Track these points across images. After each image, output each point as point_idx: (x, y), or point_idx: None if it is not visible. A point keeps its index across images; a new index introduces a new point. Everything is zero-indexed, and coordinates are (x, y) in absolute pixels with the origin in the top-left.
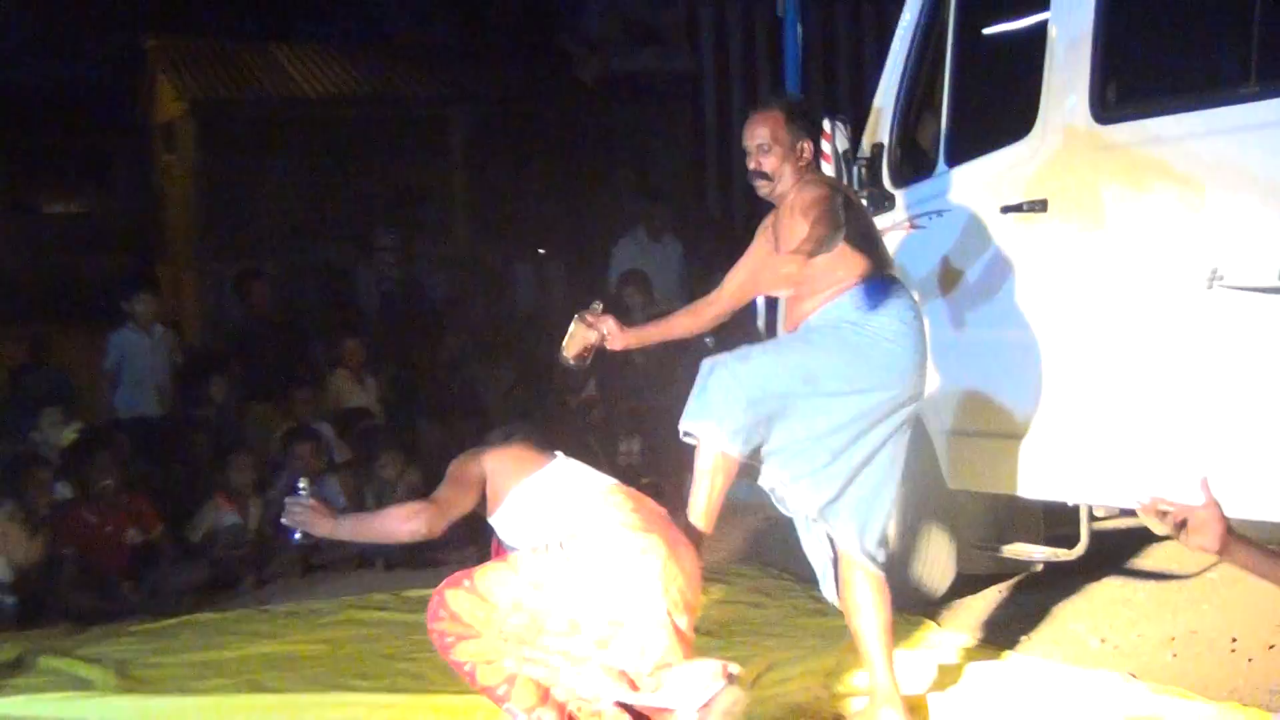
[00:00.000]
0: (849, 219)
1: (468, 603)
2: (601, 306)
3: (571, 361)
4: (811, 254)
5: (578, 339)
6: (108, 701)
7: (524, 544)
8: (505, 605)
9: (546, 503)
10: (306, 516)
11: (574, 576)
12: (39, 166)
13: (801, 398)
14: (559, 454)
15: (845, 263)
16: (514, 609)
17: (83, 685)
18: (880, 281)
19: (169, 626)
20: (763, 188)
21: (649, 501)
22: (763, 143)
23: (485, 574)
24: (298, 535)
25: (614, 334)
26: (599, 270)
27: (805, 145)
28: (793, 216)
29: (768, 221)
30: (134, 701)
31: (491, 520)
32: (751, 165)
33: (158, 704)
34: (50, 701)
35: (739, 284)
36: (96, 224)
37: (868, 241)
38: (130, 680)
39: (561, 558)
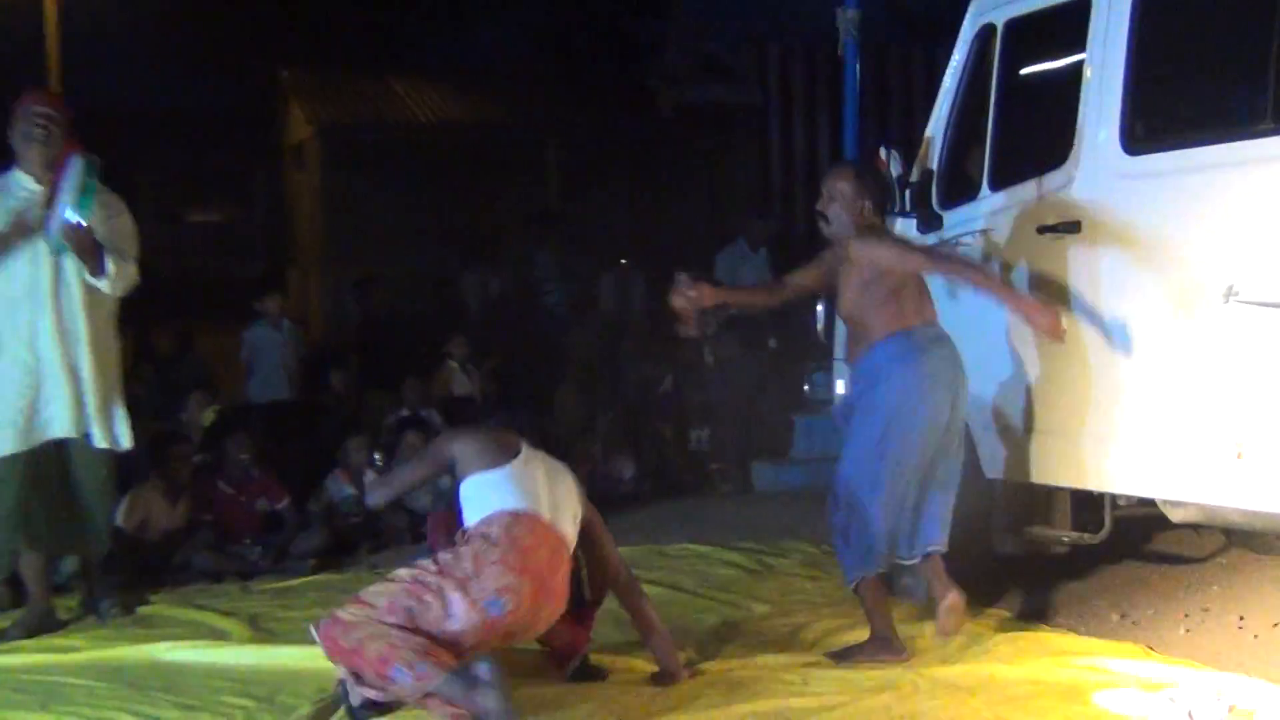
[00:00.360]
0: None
1: (354, 610)
2: (686, 276)
3: (691, 330)
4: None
5: (679, 309)
6: (242, 650)
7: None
8: (383, 606)
9: (475, 502)
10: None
11: (443, 589)
12: (185, 181)
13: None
14: (520, 453)
15: (897, 306)
16: (389, 611)
17: (219, 636)
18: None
19: (293, 586)
20: (822, 227)
21: (551, 540)
22: (832, 193)
23: (370, 589)
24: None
25: (705, 293)
26: (670, 277)
27: (866, 205)
28: (880, 247)
29: (825, 255)
30: (264, 650)
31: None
32: (819, 206)
33: (286, 652)
34: (191, 649)
35: (798, 283)
36: (234, 232)
37: (915, 290)
38: (261, 632)
39: (439, 568)
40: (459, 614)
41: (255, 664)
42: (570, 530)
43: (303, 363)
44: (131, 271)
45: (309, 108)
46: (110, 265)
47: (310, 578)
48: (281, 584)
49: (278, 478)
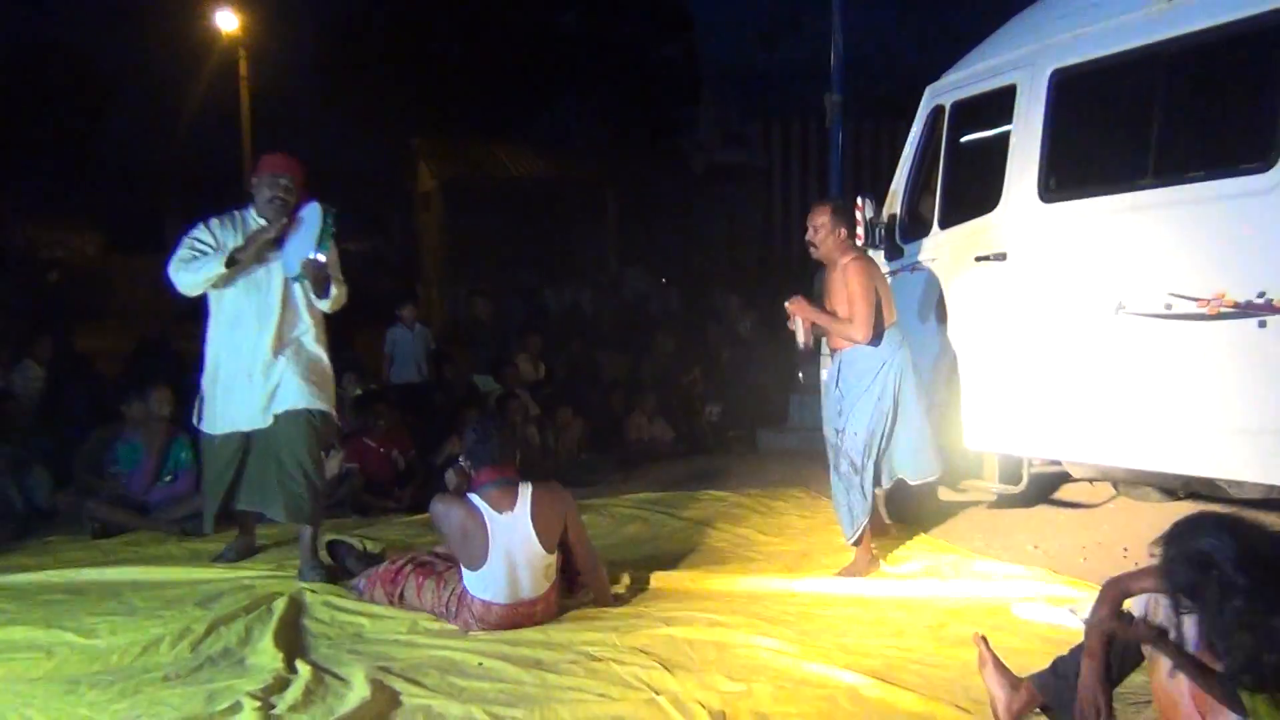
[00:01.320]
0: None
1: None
2: (799, 297)
3: (805, 340)
4: (864, 334)
5: (796, 328)
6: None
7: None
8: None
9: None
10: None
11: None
12: (344, 220)
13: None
14: (489, 551)
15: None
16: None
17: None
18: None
19: (419, 520)
20: (812, 252)
21: (521, 609)
22: (816, 225)
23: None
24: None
25: (799, 304)
26: (701, 292)
27: (842, 230)
28: (849, 290)
29: (818, 275)
30: None
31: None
32: (807, 237)
33: None
34: None
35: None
36: (378, 258)
37: (884, 303)
38: (394, 549)
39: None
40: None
41: None
42: (546, 579)
43: (429, 355)
44: (343, 293)
45: (433, 166)
46: (333, 289)
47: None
48: (413, 518)
49: (409, 438)
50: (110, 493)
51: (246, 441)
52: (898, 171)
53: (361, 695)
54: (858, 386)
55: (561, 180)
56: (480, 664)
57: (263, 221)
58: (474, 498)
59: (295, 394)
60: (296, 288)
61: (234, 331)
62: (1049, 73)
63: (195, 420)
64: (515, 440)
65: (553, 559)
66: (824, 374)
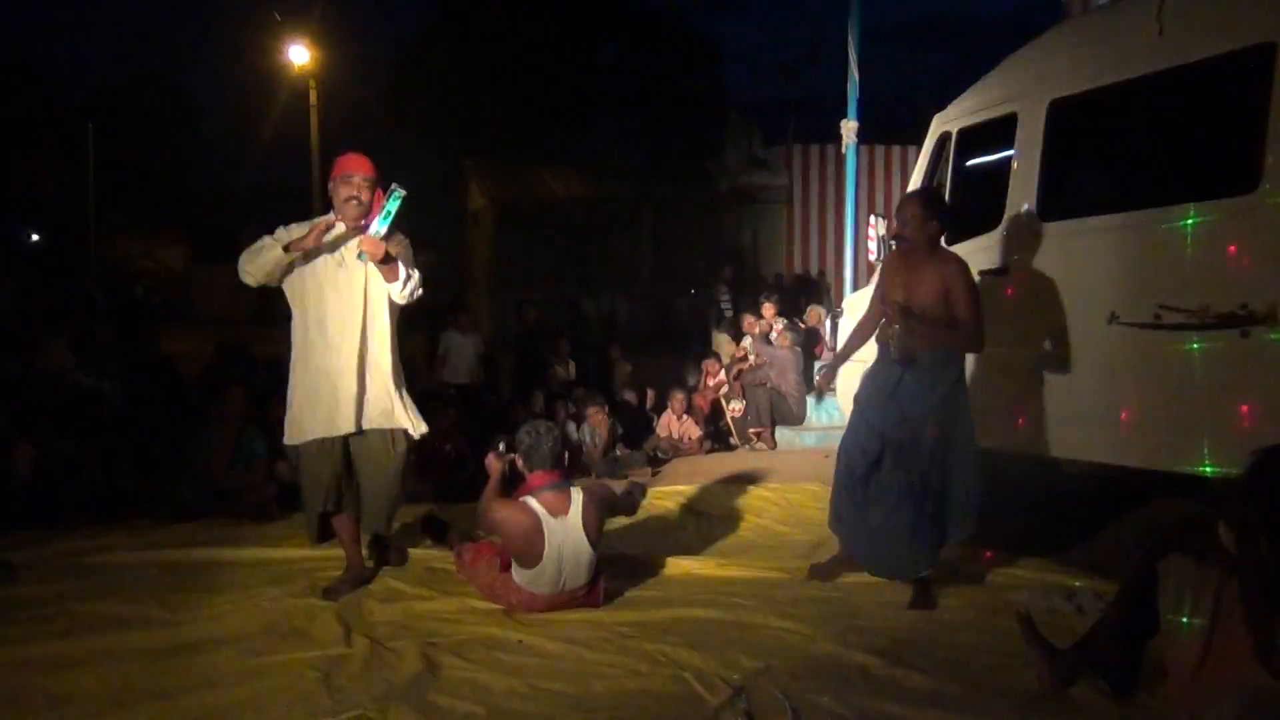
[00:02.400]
0: None
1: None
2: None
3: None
4: (982, 343)
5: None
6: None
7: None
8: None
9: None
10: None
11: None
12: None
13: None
14: (544, 549)
15: None
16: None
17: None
18: None
19: (468, 508)
20: (901, 246)
21: (559, 600)
22: (907, 216)
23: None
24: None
25: (900, 311)
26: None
27: (934, 222)
28: (965, 293)
29: (884, 268)
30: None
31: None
32: (895, 229)
33: None
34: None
35: (878, 308)
36: (433, 270)
37: None
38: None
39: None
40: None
41: None
42: (583, 578)
43: (480, 358)
44: (416, 280)
45: (483, 186)
46: (403, 271)
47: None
48: (466, 506)
49: (462, 433)
50: (189, 481)
51: (345, 446)
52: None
53: (413, 668)
54: (953, 398)
55: (600, 199)
56: (521, 641)
57: (342, 226)
58: (531, 502)
59: (381, 413)
60: (377, 292)
61: (320, 336)
62: (1048, 102)
63: (284, 439)
64: (565, 443)
65: (595, 554)
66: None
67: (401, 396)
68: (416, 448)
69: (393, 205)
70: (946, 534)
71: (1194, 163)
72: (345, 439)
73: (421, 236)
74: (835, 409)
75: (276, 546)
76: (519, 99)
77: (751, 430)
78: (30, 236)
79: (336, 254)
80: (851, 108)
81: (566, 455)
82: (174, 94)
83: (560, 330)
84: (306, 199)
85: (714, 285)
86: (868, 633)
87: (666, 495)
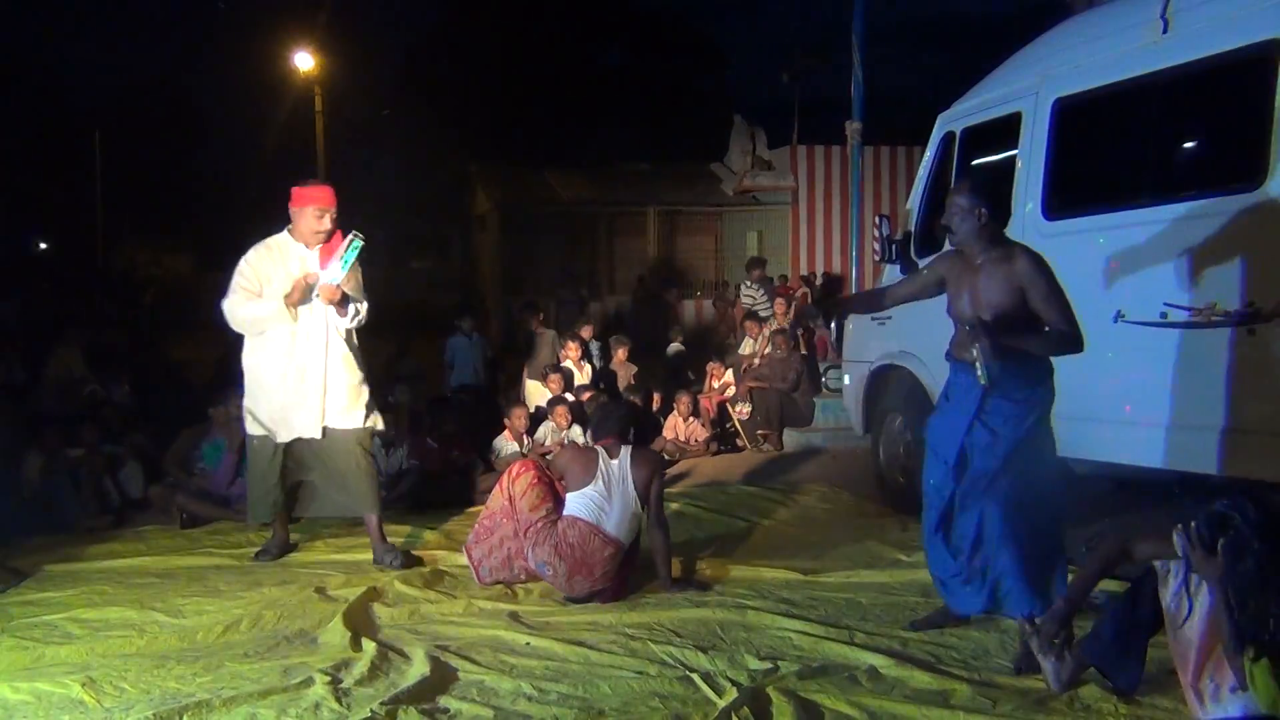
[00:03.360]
0: None
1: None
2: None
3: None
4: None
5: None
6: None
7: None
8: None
9: (568, 501)
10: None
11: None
12: (409, 239)
13: None
14: (597, 475)
15: None
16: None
17: (428, 542)
18: None
19: (475, 511)
20: (950, 238)
21: (597, 541)
22: (953, 208)
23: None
24: None
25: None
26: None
27: (981, 210)
28: (1046, 285)
29: (937, 265)
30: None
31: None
32: (943, 222)
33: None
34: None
35: (907, 292)
36: (440, 274)
37: None
38: (452, 540)
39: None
40: (521, 561)
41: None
42: (624, 531)
43: (486, 362)
44: (364, 313)
45: (489, 190)
46: (351, 309)
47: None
48: (472, 510)
49: (466, 437)
50: (197, 487)
51: (290, 449)
52: (912, 192)
53: (421, 671)
54: (1044, 424)
55: (605, 202)
56: (528, 643)
57: (302, 247)
58: (595, 445)
59: (342, 415)
60: (332, 314)
61: (280, 345)
62: (1052, 100)
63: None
64: (629, 418)
65: (638, 513)
66: (845, 379)
67: (362, 395)
68: (419, 455)
69: (350, 256)
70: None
71: (1199, 159)
72: (304, 443)
73: (427, 241)
74: (842, 410)
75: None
76: (524, 103)
77: (759, 432)
78: (38, 245)
79: (297, 280)
80: (856, 109)
81: (632, 430)
82: (180, 102)
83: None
84: None
85: (745, 283)
86: (876, 633)
87: (673, 497)
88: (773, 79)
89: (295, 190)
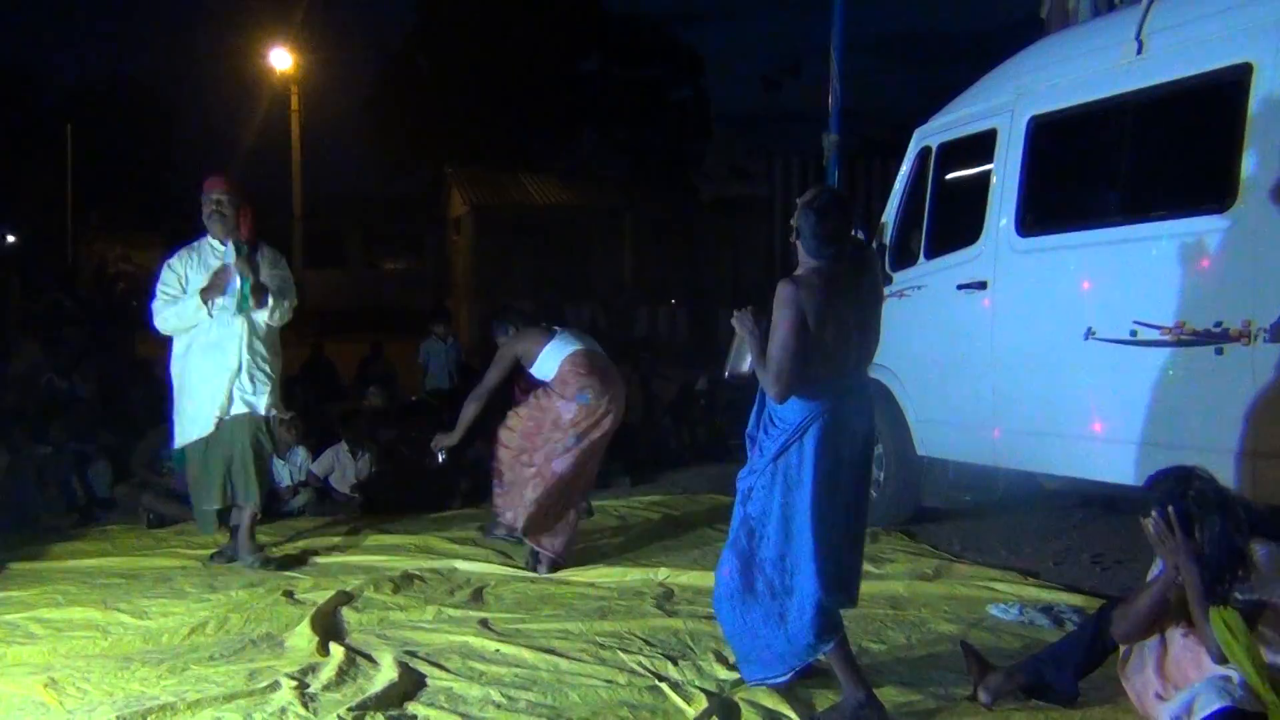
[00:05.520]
0: None
1: (503, 433)
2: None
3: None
4: None
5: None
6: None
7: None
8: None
9: (545, 368)
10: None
11: (551, 409)
12: (382, 241)
13: None
14: (557, 330)
15: None
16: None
17: (399, 547)
18: None
19: (448, 516)
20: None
21: (602, 359)
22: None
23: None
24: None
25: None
26: (710, 314)
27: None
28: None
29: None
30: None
31: (530, 370)
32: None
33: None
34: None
35: None
36: (413, 276)
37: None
38: (428, 541)
39: (546, 399)
40: (565, 412)
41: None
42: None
43: (459, 366)
44: (287, 307)
45: (465, 193)
46: (270, 301)
47: (460, 510)
48: (443, 514)
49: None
50: (164, 487)
51: (206, 443)
52: (888, 206)
53: (389, 677)
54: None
55: (582, 208)
56: (497, 650)
57: (215, 243)
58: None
59: (247, 400)
60: (256, 315)
61: (201, 345)
62: (1027, 118)
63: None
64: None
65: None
66: None
67: (269, 385)
68: (390, 459)
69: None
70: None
71: (1170, 180)
72: (209, 436)
73: (402, 243)
74: None
75: None
76: (502, 107)
77: (733, 441)
78: (6, 238)
79: (217, 274)
80: (833, 121)
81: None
82: (153, 97)
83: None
84: (287, 204)
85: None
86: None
87: (646, 505)
88: (751, 89)
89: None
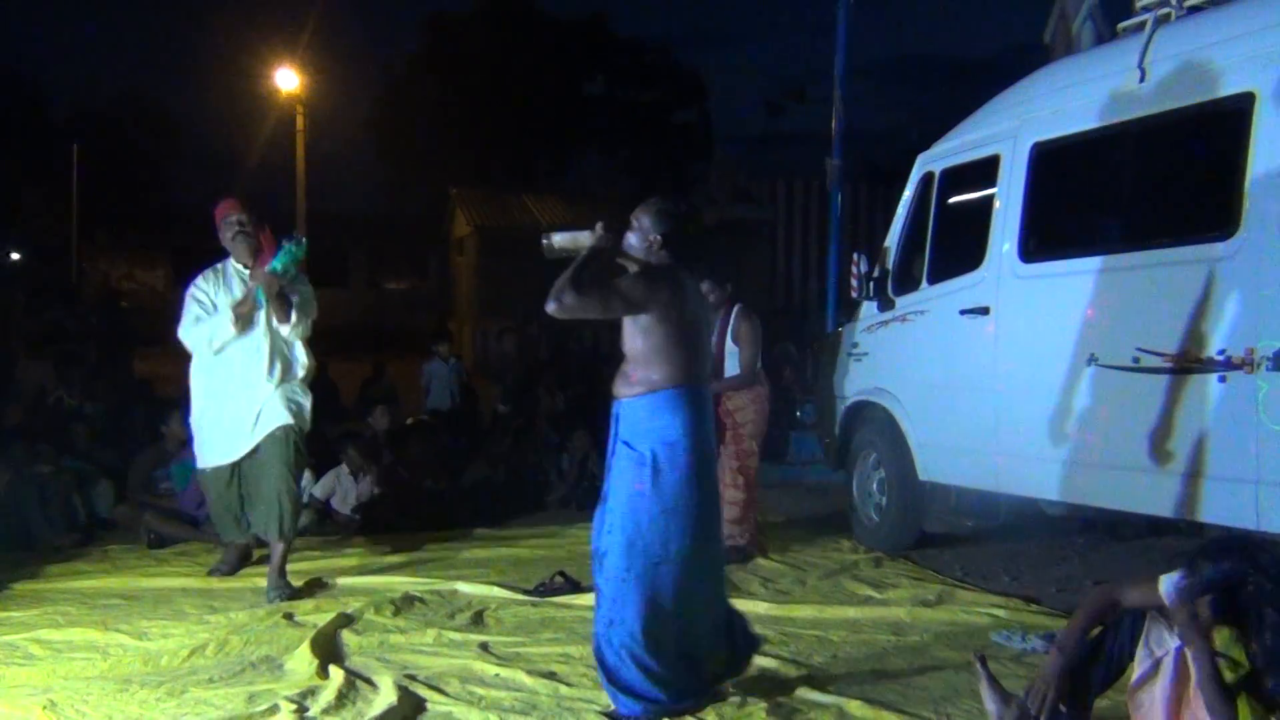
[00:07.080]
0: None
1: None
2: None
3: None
4: None
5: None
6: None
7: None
8: None
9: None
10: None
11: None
12: (386, 261)
13: None
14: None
15: None
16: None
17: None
18: None
19: (452, 534)
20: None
21: None
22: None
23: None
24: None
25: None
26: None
27: (655, 238)
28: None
29: None
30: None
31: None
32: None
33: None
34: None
35: None
36: (417, 296)
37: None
38: (428, 562)
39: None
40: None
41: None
42: None
43: (462, 386)
44: (307, 325)
45: (468, 214)
46: (293, 315)
47: (453, 529)
48: (444, 534)
49: (443, 464)
50: (165, 507)
51: (236, 470)
52: (891, 231)
53: (389, 700)
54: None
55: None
56: (497, 674)
57: (239, 266)
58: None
59: (276, 418)
60: (280, 341)
61: (223, 366)
62: (1030, 145)
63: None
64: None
65: None
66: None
67: (299, 411)
68: (389, 482)
69: (291, 252)
70: None
71: (1173, 208)
72: (241, 461)
73: (404, 263)
74: (815, 444)
75: (250, 576)
76: (506, 128)
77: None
78: (10, 256)
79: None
80: (836, 145)
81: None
82: (159, 117)
83: (548, 359)
84: (290, 224)
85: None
86: (847, 671)
87: None
88: (755, 111)
89: (215, 214)
